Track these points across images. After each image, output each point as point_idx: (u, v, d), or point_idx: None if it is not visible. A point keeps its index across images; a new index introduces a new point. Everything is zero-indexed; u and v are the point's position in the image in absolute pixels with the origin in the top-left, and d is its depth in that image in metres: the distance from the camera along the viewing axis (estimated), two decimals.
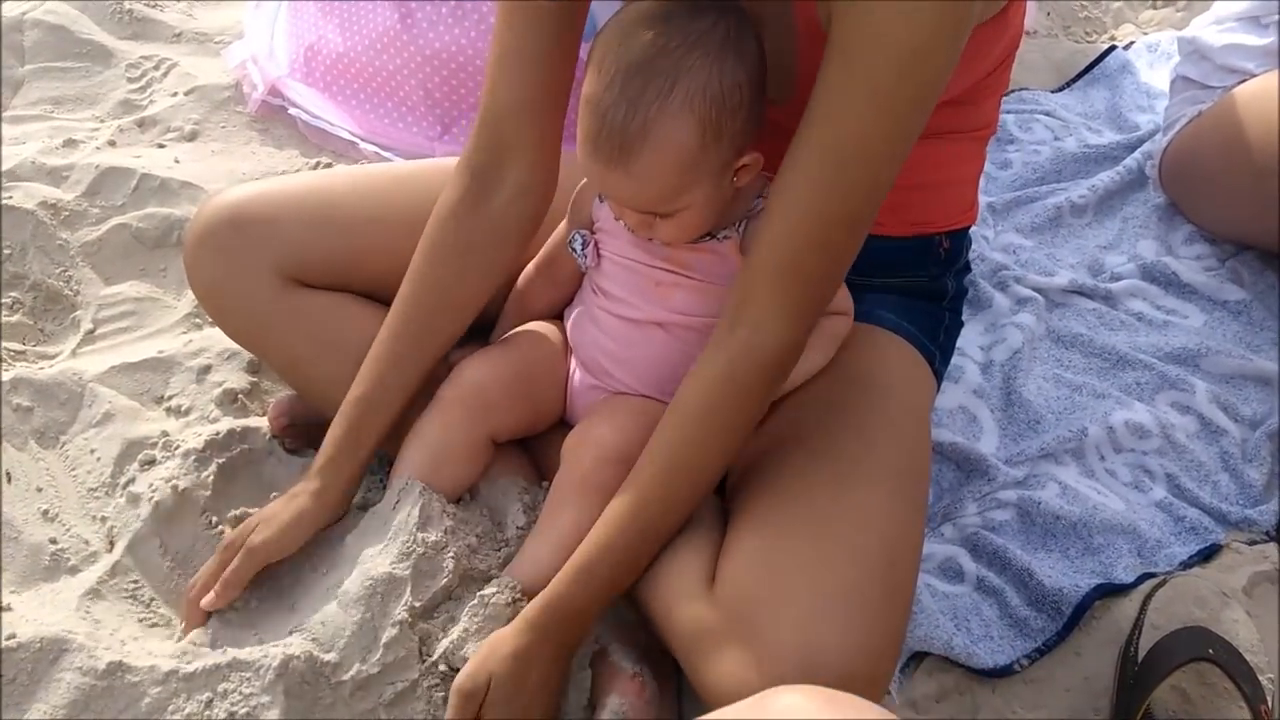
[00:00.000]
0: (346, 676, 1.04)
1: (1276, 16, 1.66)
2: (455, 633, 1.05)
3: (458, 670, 1.03)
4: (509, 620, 1.05)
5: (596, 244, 1.17)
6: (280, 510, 1.13)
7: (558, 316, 1.27)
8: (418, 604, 1.06)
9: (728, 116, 1.00)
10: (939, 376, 1.26)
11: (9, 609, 1.14)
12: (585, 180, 1.20)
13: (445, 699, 1.03)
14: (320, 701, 1.04)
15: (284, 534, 1.12)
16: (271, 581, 1.14)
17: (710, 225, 1.10)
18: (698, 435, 1.04)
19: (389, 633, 1.04)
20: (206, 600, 1.11)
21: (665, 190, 1.02)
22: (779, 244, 0.99)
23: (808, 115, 0.97)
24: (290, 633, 1.07)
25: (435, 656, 1.05)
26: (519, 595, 1.07)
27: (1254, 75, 1.66)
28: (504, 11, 1.12)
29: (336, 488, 1.15)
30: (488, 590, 1.07)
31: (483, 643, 1.03)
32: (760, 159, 1.06)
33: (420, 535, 1.08)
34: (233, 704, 1.03)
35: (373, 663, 1.04)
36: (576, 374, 1.21)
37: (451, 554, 1.09)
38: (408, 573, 1.06)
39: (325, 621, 1.06)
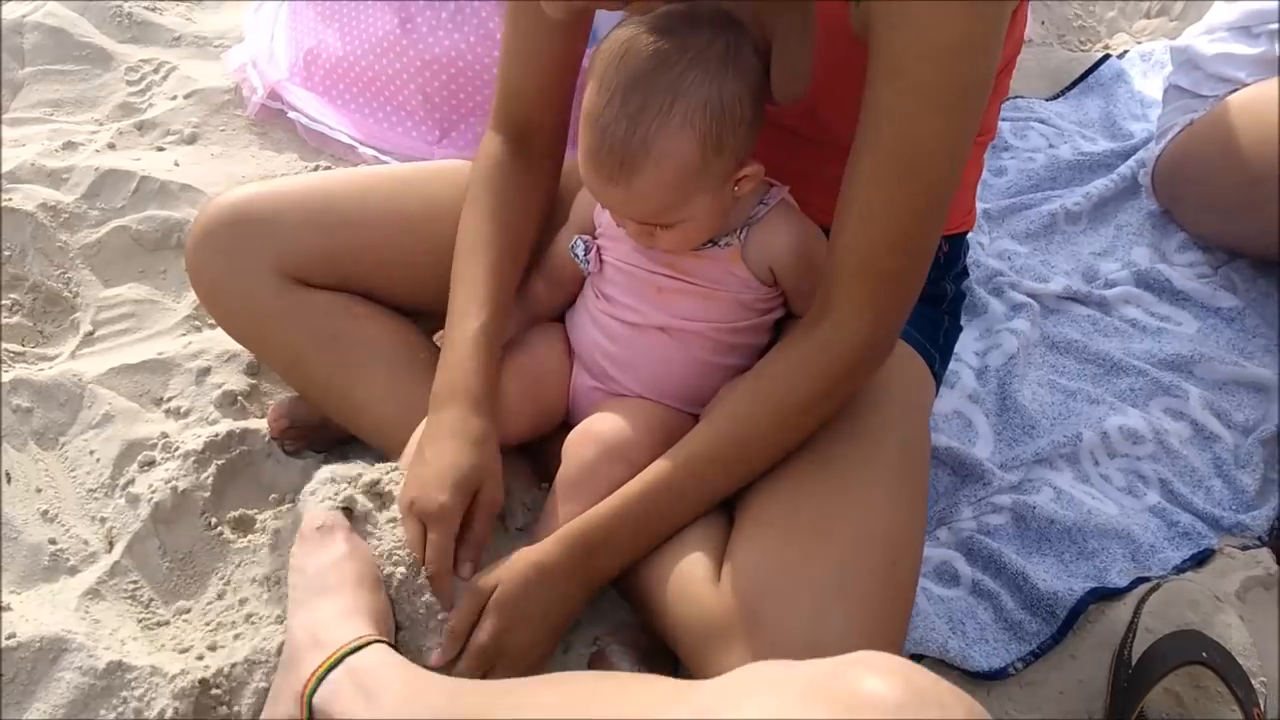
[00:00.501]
0: None
1: (1267, 27, 1.68)
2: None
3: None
4: None
5: (599, 249, 1.18)
6: (487, 460, 1.08)
7: (559, 320, 1.27)
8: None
9: (728, 130, 1.01)
10: (938, 379, 1.27)
11: (8, 609, 1.14)
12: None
13: None
14: None
15: (501, 479, 1.10)
16: None
17: (712, 234, 1.11)
18: (764, 411, 1.05)
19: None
20: (467, 571, 1.05)
21: (666, 204, 1.03)
22: (854, 247, 1.01)
23: (864, 121, 0.98)
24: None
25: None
26: None
27: (1245, 84, 1.67)
28: (511, 13, 1.15)
29: (492, 414, 1.12)
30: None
31: (513, 553, 1.04)
32: (761, 169, 1.07)
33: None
34: None
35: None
36: (578, 377, 1.22)
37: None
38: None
39: None
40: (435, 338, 1.31)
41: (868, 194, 0.99)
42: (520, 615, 1.02)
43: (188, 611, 1.21)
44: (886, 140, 0.97)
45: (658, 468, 1.06)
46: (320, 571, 1.03)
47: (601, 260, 1.18)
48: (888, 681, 0.66)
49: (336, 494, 1.08)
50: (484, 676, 1.01)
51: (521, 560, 1.03)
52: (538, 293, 1.27)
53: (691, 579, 1.05)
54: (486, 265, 1.17)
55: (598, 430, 1.13)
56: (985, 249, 1.75)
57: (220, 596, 1.22)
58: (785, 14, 1.05)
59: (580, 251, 1.18)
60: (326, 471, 1.11)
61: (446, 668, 1.01)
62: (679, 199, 1.03)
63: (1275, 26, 1.66)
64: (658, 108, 0.98)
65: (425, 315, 1.29)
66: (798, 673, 0.69)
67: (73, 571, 1.22)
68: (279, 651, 1.08)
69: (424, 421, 1.13)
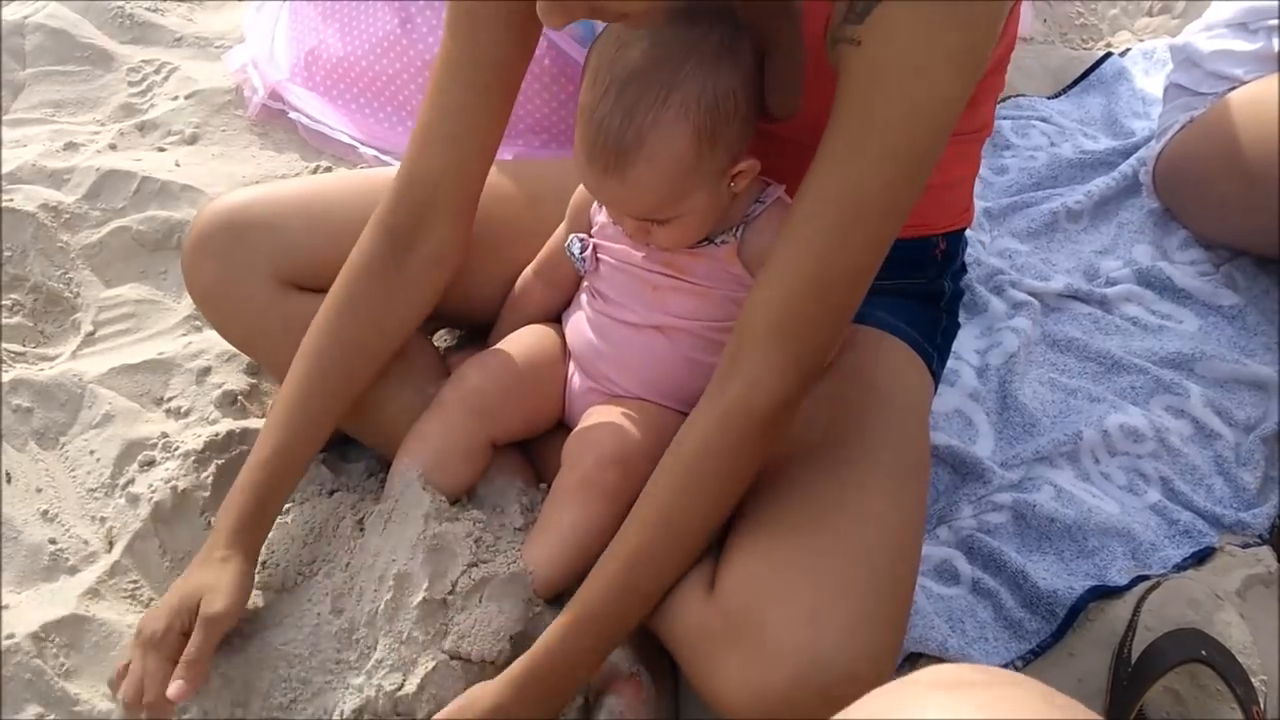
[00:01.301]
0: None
1: (1265, 23, 1.67)
2: (467, 621, 1.05)
3: (467, 658, 1.03)
4: (519, 601, 1.05)
5: (594, 248, 1.18)
6: (218, 576, 1.07)
7: (555, 319, 1.27)
8: (435, 597, 1.05)
9: (723, 124, 1.01)
10: (936, 377, 1.27)
11: (7, 608, 1.15)
12: (583, 186, 1.20)
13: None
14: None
15: (239, 596, 1.06)
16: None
17: (707, 230, 1.11)
18: (690, 488, 1.01)
19: (408, 625, 1.04)
20: (175, 690, 1.00)
21: (661, 198, 1.03)
22: (778, 297, 0.98)
23: (817, 164, 0.96)
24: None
25: (447, 645, 1.05)
26: (528, 573, 1.07)
27: (1244, 81, 1.67)
28: (436, 81, 1.12)
29: (257, 547, 1.11)
30: (499, 571, 1.07)
31: (465, 692, 1.01)
32: (756, 164, 1.06)
33: (430, 527, 1.08)
34: None
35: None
36: (575, 377, 1.22)
37: (461, 543, 1.08)
38: (421, 565, 1.06)
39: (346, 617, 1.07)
40: (433, 339, 1.31)
41: (808, 241, 0.96)
42: None
43: None
44: (841, 187, 0.94)
45: (600, 574, 1.01)
46: None
47: (597, 259, 1.18)
48: None
49: None
50: None
51: (476, 706, 0.99)
52: (534, 293, 1.27)
53: (688, 581, 1.04)
54: (300, 383, 1.13)
55: (595, 436, 1.13)
56: (986, 247, 1.75)
57: None
58: (776, 30, 1.04)
59: (576, 250, 1.18)
60: None
61: None
62: (675, 193, 1.03)
63: (1273, 22, 1.66)
64: (652, 101, 0.98)
65: None
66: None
67: (72, 571, 1.22)
68: None
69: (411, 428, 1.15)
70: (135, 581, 1.22)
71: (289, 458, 1.13)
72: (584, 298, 1.22)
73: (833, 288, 0.98)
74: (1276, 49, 1.65)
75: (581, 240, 1.19)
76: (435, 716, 1.00)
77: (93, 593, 1.19)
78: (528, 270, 1.28)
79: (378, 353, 1.18)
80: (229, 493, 1.13)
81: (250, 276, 1.22)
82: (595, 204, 1.19)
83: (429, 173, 1.14)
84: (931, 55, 0.90)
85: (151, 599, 1.21)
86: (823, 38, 1.01)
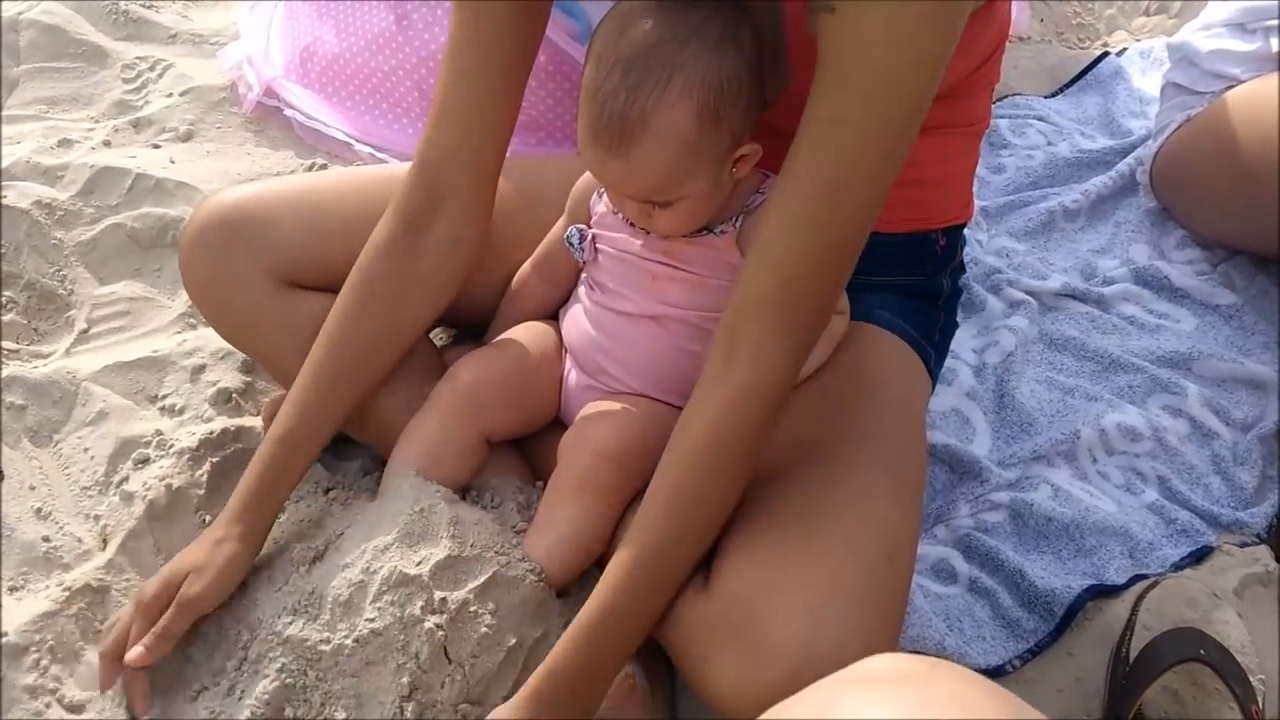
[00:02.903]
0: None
1: (1263, 23, 1.67)
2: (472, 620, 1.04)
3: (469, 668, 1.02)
4: (527, 598, 1.04)
5: (593, 238, 1.18)
6: (209, 558, 1.08)
7: (553, 316, 1.27)
8: (435, 595, 1.04)
9: (726, 105, 1.00)
10: (934, 375, 1.27)
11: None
12: (583, 177, 1.20)
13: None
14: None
15: (220, 582, 1.08)
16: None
17: (708, 217, 1.10)
18: (702, 477, 1.00)
19: (408, 619, 1.03)
20: (134, 656, 1.04)
21: (664, 178, 1.03)
22: (771, 272, 0.98)
23: (801, 135, 0.96)
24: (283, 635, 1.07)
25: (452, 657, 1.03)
26: (537, 571, 1.07)
27: (1241, 80, 1.67)
28: (451, 56, 1.12)
29: (260, 529, 1.12)
30: (502, 569, 1.06)
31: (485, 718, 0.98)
32: (759, 150, 1.06)
33: (426, 520, 1.07)
34: None
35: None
36: (571, 374, 1.21)
37: (460, 536, 1.07)
38: (417, 559, 1.05)
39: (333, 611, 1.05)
40: (430, 335, 1.31)
41: (796, 215, 0.96)
42: None
43: None
44: (826, 159, 0.94)
45: (612, 577, 0.99)
46: None
47: (596, 249, 1.18)
48: None
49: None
50: None
51: None
52: (532, 289, 1.27)
53: None
54: (317, 368, 1.15)
55: (593, 433, 1.12)
56: (984, 246, 1.75)
57: None
58: (755, 11, 1.04)
59: (575, 240, 1.18)
60: None
61: None
62: (678, 173, 1.02)
63: (1271, 22, 1.66)
64: (656, 80, 0.98)
65: None
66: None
67: (67, 569, 1.22)
68: None
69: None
70: (130, 579, 1.21)
71: (300, 440, 1.14)
72: (582, 290, 1.21)
73: (825, 257, 0.98)
74: (1275, 49, 1.65)
75: (580, 230, 1.19)
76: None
77: (87, 590, 1.18)
78: (525, 266, 1.27)
79: (396, 338, 1.18)
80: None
81: (247, 273, 1.21)
82: (595, 194, 1.19)
83: (442, 153, 1.14)
84: (906, 16, 0.90)
85: None
86: (801, 21, 1.01)
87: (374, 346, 1.17)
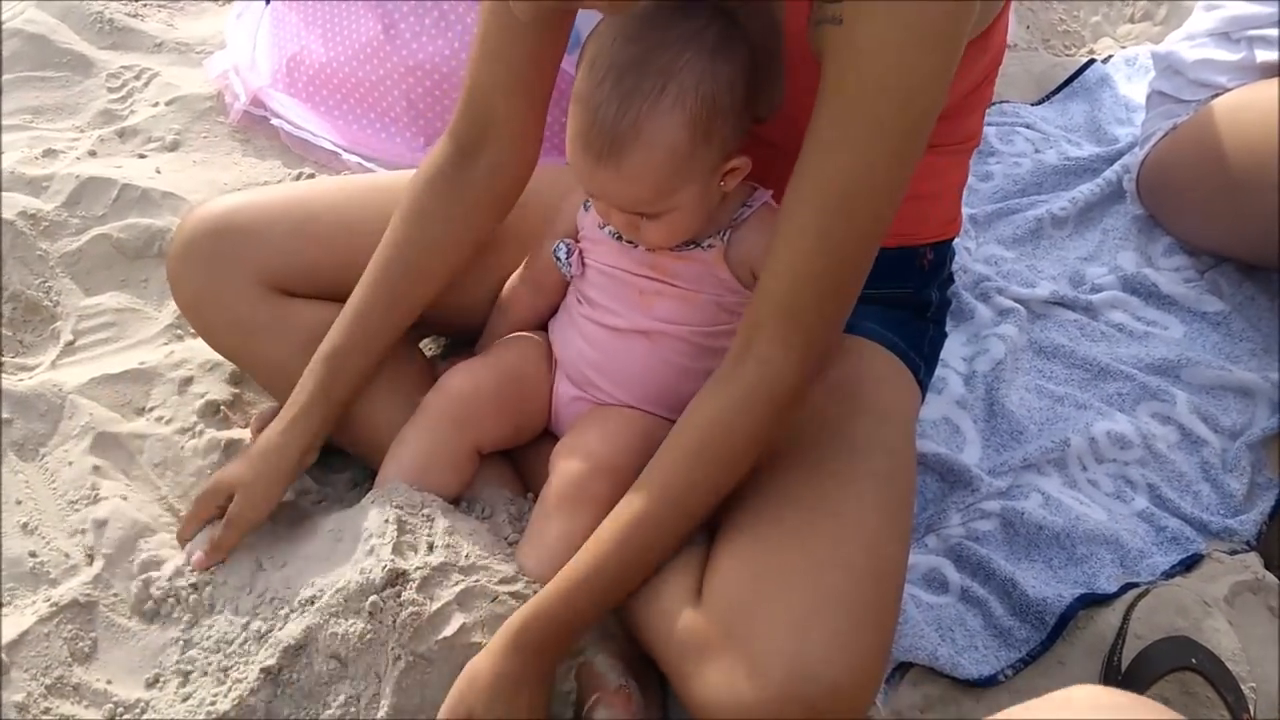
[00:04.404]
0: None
1: (1246, 32, 1.68)
2: (459, 624, 1.04)
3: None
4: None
5: (581, 252, 1.17)
6: (255, 474, 1.15)
7: (543, 326, 1.27)
8: (418, 596, 1.04)
9: (718, 117, 1.01)
10: (923, 387, 1.27)
11: None
12: (570, 191, 1.20)
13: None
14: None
15: (264, 500, 1.15)
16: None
17: (697, 229, 1.10)
18: (699, 464, 1.02)
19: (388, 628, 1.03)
20: (195, 559, 1.15)
21: (654, 189, 1.03)
22: (784, 283, 0.99)
23: (808, 148, 0.97)
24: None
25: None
26: (528, 582, 1.08)
27: (1226, 89, 1.68)
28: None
29: (304, 442, 1.17)
30: (492, 580, 1.06)
31: (460, 675, 1.01)
32: (748, 162, 1.06)
33: (410, 531, 1.08)
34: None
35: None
36: (561, 385, 1.21)
37: (449, 546, 1.07)
38: (404, 565, 1.05)
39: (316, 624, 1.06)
40: (420, 345, 1.30)
41: (808, 224, 0.97)
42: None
43: None
44: (834, 171, 0.95)
45: (603, 536, 1.02)
46: None
47: (584, 263, 1.17)
48: None
49: None
50: None
51: (477, 684, 1.00)
52: (521, 300, 1.26)
53: (674, 592, 1.04)
54: (369, 288, 1.19)
55: (584, 446, 1.12)
56: (972, 254, 1.75)
57: None
58: (752, 23, 1.04)
59: (563, 254, 1.18)
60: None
61: None
62: (667, 184, 1.03)
63: (1254, 32, 1.67)
64: (649, 90, 0.98)
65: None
66: None
67: (54, 584, 1.21)
68: None
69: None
70: (117, 594, 1.20)
71: (348, 356, 1.18)
72: (570, 303, 1.21)
73: (837, 268, 0.99)
74: (1258, 59, 1.65)
75: (567, 244, 1.18)
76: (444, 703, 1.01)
77: (74, 606, 1.17)
78: (514, 276, 1.27)
79: (444, 262, 1.21)
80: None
81: (236, 283, 1.21)
82: (582, 208, 1.18)
83: (486, 84, 1.17)
84: (912, 29, 0.91)
85: None
86: (803, 35, 1.01)
87: (421, 268, 1.20)
